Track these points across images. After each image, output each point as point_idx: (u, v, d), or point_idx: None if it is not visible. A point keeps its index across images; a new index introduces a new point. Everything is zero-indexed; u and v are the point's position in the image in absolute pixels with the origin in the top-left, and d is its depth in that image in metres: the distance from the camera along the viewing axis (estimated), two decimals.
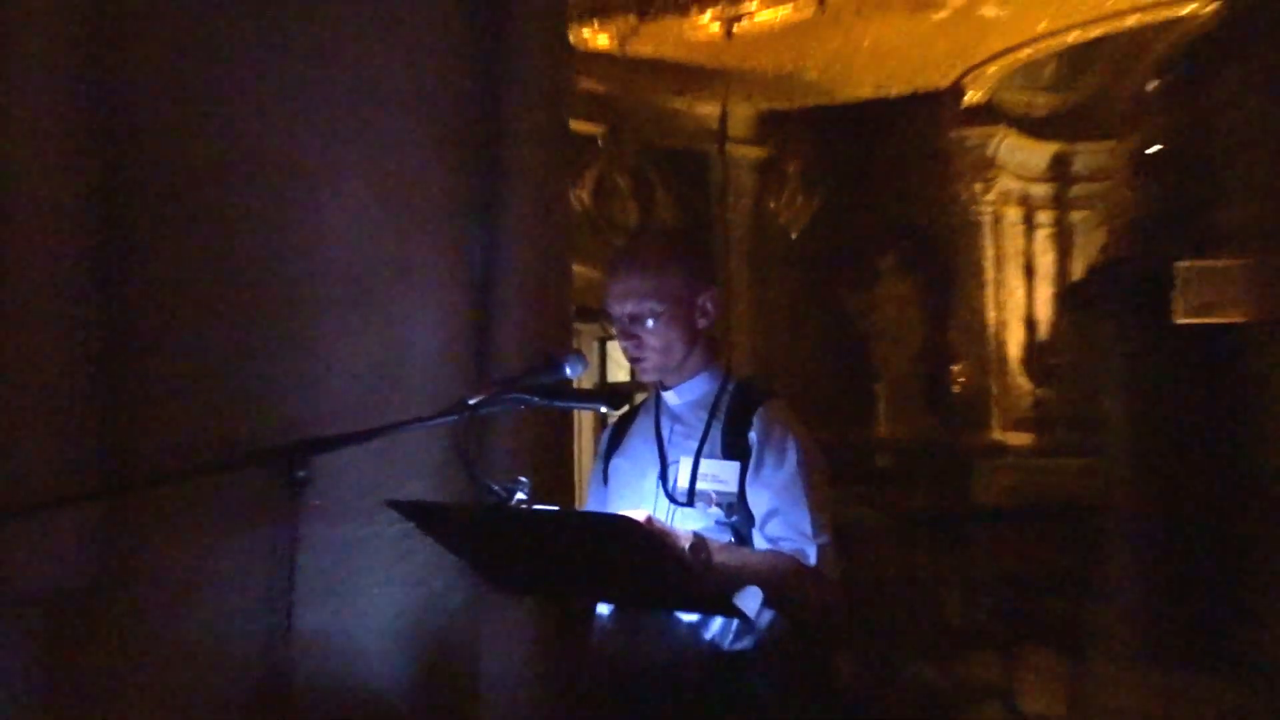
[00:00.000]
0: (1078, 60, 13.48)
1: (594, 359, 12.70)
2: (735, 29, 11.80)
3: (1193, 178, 11.63)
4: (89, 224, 3.20)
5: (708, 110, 14.04)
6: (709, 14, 11.61)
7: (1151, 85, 13.15)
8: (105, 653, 3.20)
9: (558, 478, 3.86)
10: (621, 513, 2.42)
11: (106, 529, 3.13)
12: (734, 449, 2.75)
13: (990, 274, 13.59)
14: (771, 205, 13.79)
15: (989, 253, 13.61)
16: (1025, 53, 12.74)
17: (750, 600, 2.45)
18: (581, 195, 12.43)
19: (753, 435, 2.75)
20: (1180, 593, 8.54)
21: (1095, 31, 12.32)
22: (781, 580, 2.62)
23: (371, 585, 3.52)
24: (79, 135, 3.19)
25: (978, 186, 13.57)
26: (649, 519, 2.52)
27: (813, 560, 2.67)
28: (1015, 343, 13.66)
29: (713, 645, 2.68)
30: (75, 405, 3.12)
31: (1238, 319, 7.84)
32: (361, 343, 3.57)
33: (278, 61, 3.48)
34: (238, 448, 3.17)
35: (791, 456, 2.73)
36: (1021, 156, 13.71)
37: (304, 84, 3.50)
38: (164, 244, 3.34)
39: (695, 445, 2.79)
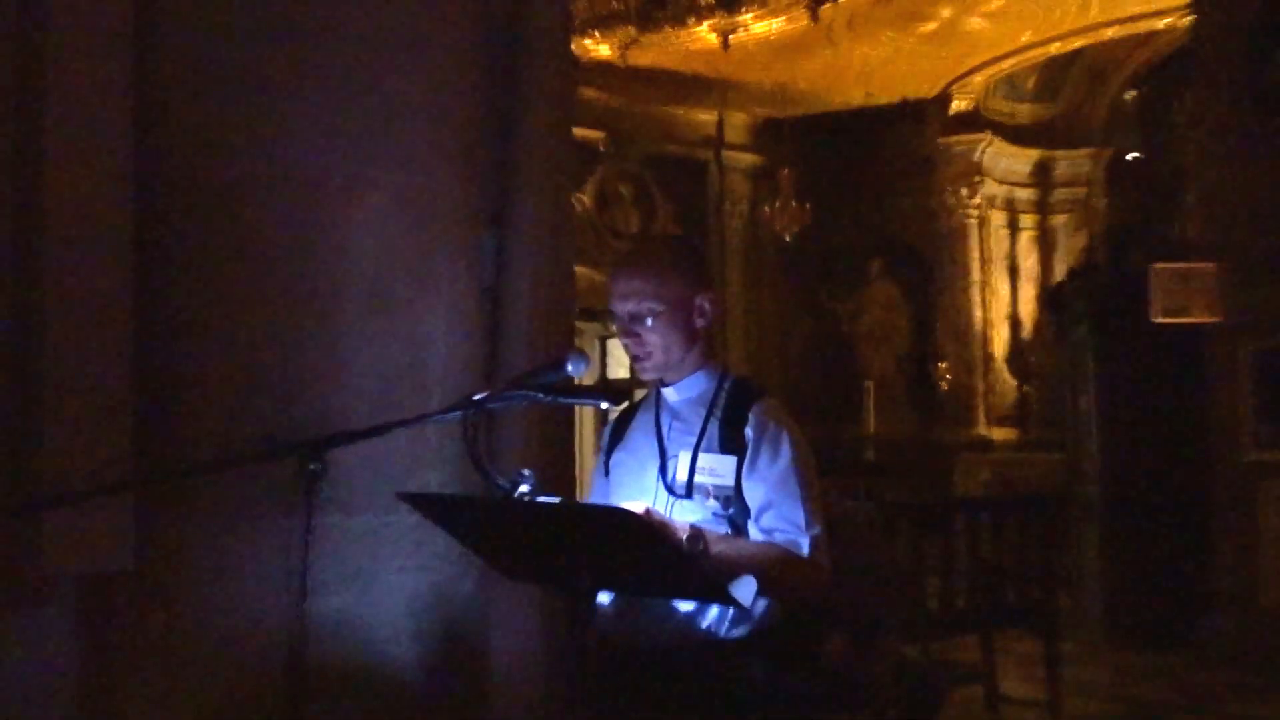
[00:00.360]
0: (1058, 72, 13.50)
1: (595, 357, 12.73)
2: (732, 39, 11.81)
3: (1163, 187, 11.65)
4: (127, 230, 3.21)
5: (705, 118, 14.05)
6: (706, 25, 11.62)
7: (1130, 95, 13.16)
8: (136, 633, 3.22)
9: (561, 471, 3.88)
10: (621, 505, 2.43)
11: (140, 517, 3.15)
12: (730, 444, 2.76)
13: (976, 275, 13.60)
14: (765, 211, 13.80)
15: (975, 255, 13.62)
16: (1009, 63, 12.75)
17: (745, 589, 2.46)
18: (584, 200, 12.44)
19: (748, 431, 2.76)
20: (1145, 578, 8.58)
21: (1076, 43, 12.34)
22: (776, 570, 2.63)
23: (389, 572, 3.54)
24: (121, 146, 3.21)
25: (964, 191, 13.58)
26: (648, 511, 2.53)
27: (806, 551, 2.68)
28: (1000, 341, 13.65)
29: (709, 632, 2.69)
30: (113, 398, 3.14)
31: (1208, 319, 7.86)
32: (383, 344, 3.59)
33: (307, 84, 3.50)
34: (267, 441, 3.19)
35: (785, 452, 2.74)
36: (1006, 163, 13.73)
37: (331, 105, 3.53)
38: (200, 253, 3.36)
39: (694, 440, 2.80)
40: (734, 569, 2.52)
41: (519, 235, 3.92)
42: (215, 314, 3.37)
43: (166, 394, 3.27)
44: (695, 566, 2.44)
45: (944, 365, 13.42)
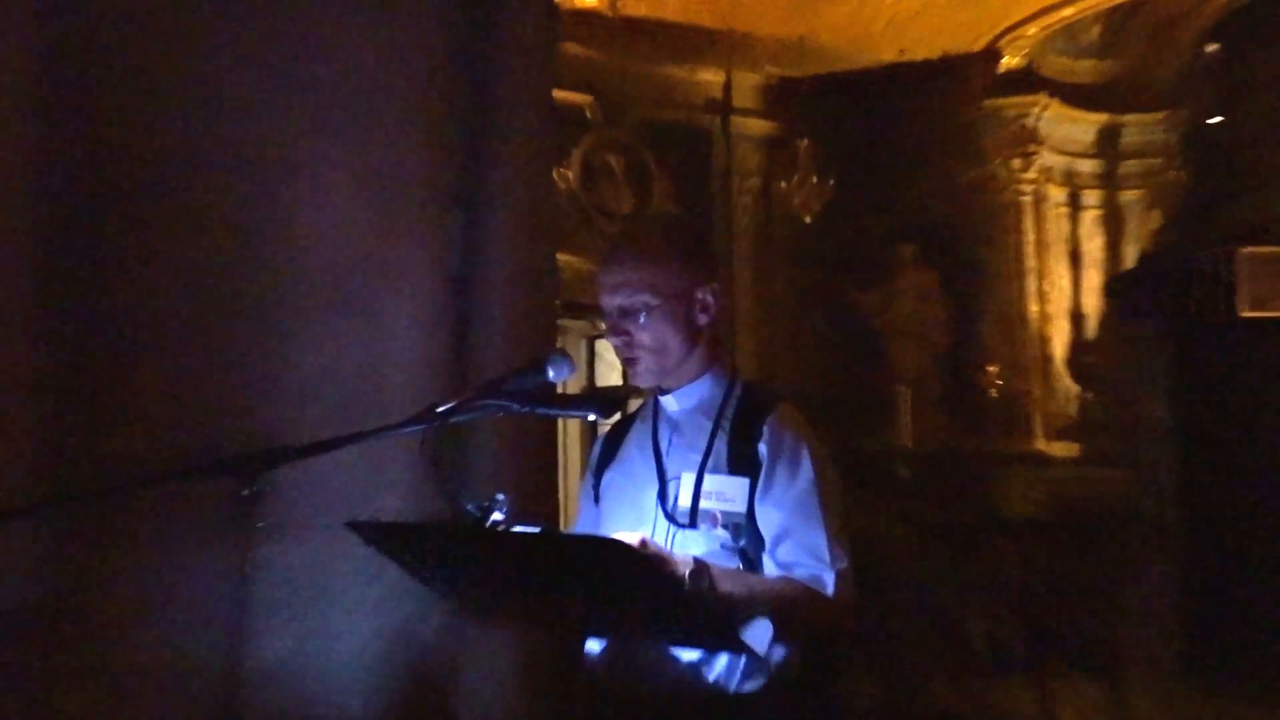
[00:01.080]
0: (1126, 21, 13.48)
1: (582, 360, 12.71)
2: None
3: (1252, 157, 11.63)
4: (44, 217, 3.21)
5: (709, 78, 14.03)
6: None
7: (1211, 48, 13.13)
8: (51, 675, 3.22)
9: (541, 494, 3.88)
10: (613, 535, 2.42)
11: (57, 545, 3.15)
12: (742, 462, 2.75)
13: (1030, 262, 13.55)
14: (780, 187, 13.78)
15: (1029, 238, 13.56)
16: (1069, 11, 12.71)
17: (760, 635, 2.45)
18: (568, 176, 12.41)
19: (762, 447, 2.75)
20: (1230, 614, 8.57)
21: None
22: (795, 611, 2.62)
23: (341, 611, 3.54)
24: (35, 122, 3.21)
25: (1016, 163, 13.54)
26: (644, 542, 2.51)
27: (830, 589, 2.67)
28: (1059, 340, 13.60)
29: (717, 686, 2.67)
30: (25, 413, 3.14)
31: None
32: (336, 344, 3.60)
33: (255, 47, 3.51)
34: (200, 459, 3.19)
35: (806, 470, 2.73)
36: (1065, 129, 13.67)
37: (279, 70, 3.54)
38: (129, 239, 3.37)
39: (698, 458, 2.79)
40: (746, 610, 2.50)
41: (492, 217, 3.93)
42: (142, 312, 3.37)
43: (85, 406, 3.27)
44: (700, 607, 2.43)
45: (991, 368, 13.41)
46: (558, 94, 4.25)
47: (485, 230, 3.95)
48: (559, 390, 2.77)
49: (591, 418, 2.78)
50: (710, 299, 2.87)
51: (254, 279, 3.50)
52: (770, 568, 2.72)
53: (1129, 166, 13.84)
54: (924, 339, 14.15)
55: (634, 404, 3.07)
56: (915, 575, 8.29)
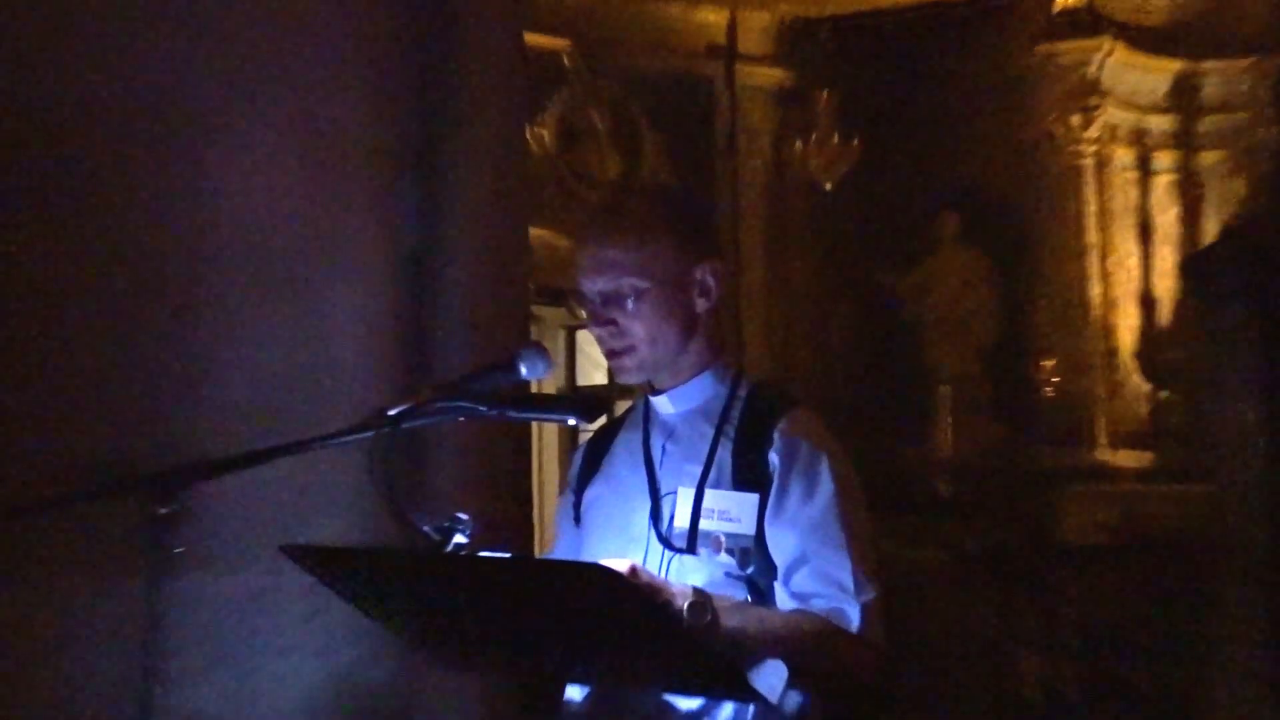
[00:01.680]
0: None
1: (560, 355, 12.73)
2: None
3: None
4: None
5: (711, 19, 14.03)
6: None
7: None
8: None
9: (512, 514, 3.89)
10: (598, 561, 2.42)
11: None
12: (749, 475, 2.76)
13: (1093, 237, 13.55)
14: (796, 149, 13.78)
15: (1091, 208, 13.57)
16: None
17: (772, 679, 2.45)
18: (543, 136, 12.40)
19: (773, 456, 2.76)
20: None
21: None
22: (813, 651, 2.63)
23: (272, 654, 3.55)
24: None
25: (1075, 120, 13.53)
26: (634, 569, 2.52)
27: (855, 624, 2.67)
28: (1127, 330, 13.60)
29: None
30: None
31: None
32: (272, 339, 3.62)
33: None
34: (103, 475, 3.19)
35: (825, 485, 2.74)
36: (1134, 79, 13.66)
37: (201, 9, 3.54)
38: (12, 207, 3.36)
39: (697, 471, 2.80)
40: (755, 650, 2.51)
41: (452, 185, 3.94)
42: (31, 297, 3.36)
43: None
44: (701, 647, 2.43)
45: (1047, 364, 13.41)
46: (530, 38, 4.26)
47: (444, 201, 3.95)
48: (533, 390, 2.77)
49: (571, 422, 2.77)
50: (711, 281, 2.88)
51: (166, 259, 3.50)
52: (784, 600, 2.72)
53: (1209, 123, 13.83)
54: (968, 330, 14.16)
55: (621, 406, 3.08)
56: (957, 610, 8.31)
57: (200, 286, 3.56)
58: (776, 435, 2.79)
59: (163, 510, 2.32)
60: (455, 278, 3.91)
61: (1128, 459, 13.28)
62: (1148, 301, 13.64)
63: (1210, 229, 13.07)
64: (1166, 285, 13.63)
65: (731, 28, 14.10)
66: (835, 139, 13.53)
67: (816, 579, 2.71)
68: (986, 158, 13.99)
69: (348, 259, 3.78)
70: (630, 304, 2.81)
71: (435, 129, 3.93)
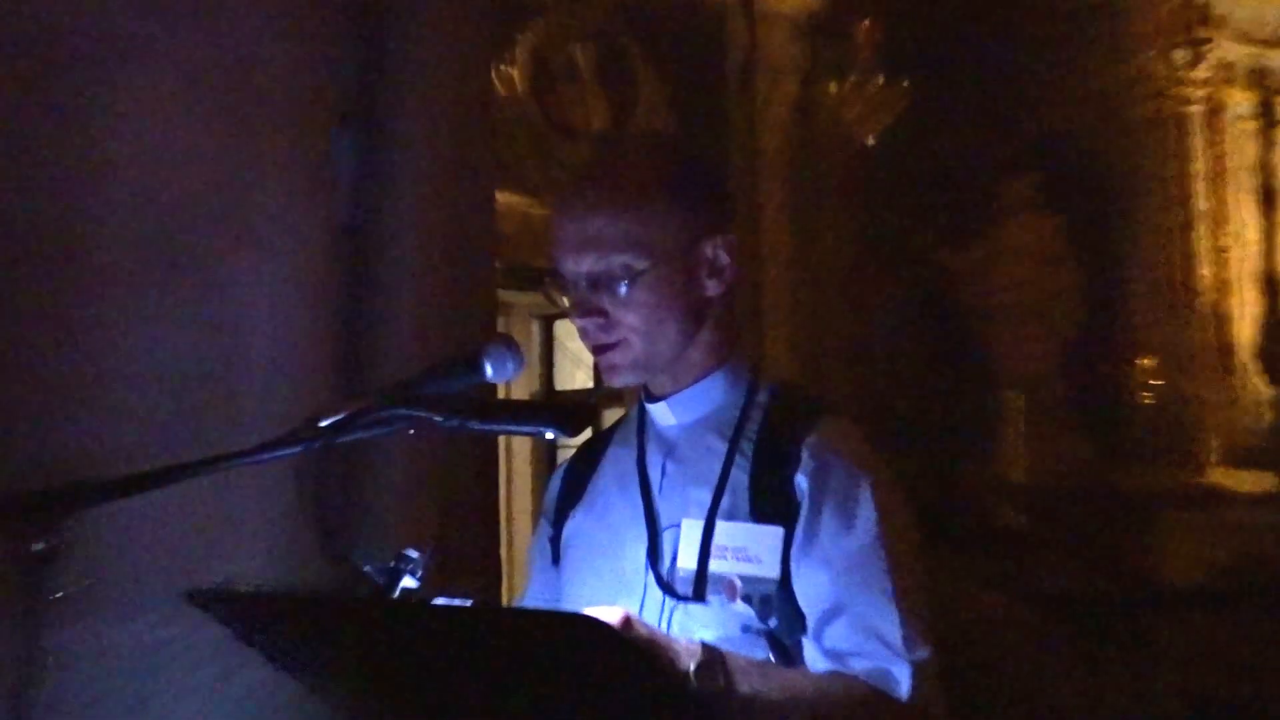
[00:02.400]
0: None
1: (534, 351, 12.75)
2: None
3: None
4: None
5: None
6: None
7: None
8: None
9: (475, 550, 3.89)
10: (583, 611, 2.41)
11: None
12: (771, 504, 2.76)
13: (1201, 203, 13.57)
14: (829, 92, 13.79)
15: (1198, 167, 13.59)
16: None
17: None
18: (512, 77, 12.41)
19: (801, 480, 2.76)
20: None
21: None
22: None
23: None
24: None
25: (1179, 56, 13.56)
26: (627, 621, 2.50)
27: (905, 690, 2.66)
28: (1245, 319, 13.60)
29: None
30: None
31: None
32: (174, 331, 3.62)
33: None
34: None
35: (867, 515, 2.74)
36: (1253, 5, 13.69)
37: None
38: None
39: (706, 497, 2.80)
40: None
41: (398, 139, 3.94)
42: None
43: None
44: (710, 718, 2.43)
45: (1144, 363, 13.43)
46: None
47: (388, 158, 3.96)
48: (501, 395, 2.77)
49: (549, 436, 2.71)
50: (724, 258, 2.88)
51: (41, 229, 3.50)
52: (815, 659, 2.72)
53: None
54: (1044, 320, 14.18)
55: (611, 416, 3.07)
56: (1032, 670, 8.32)
57: (83, 264, 3.55)
58: (805, 452, 2.78)
59: (37, 545, 2.28)
60: (402, 256, 3.92)
61: (1244, 481, 13.27)
62: (1270, 285, 13.63)
63: None
64: None
65: None
66: (878, 81, 13.53)
67: (856, 633, 2.70)
68: (1066, 104, 14.00)
69: (268, 233, 3.78)
70: (623, 288, 2.80)
71: (379, 72, 3.93)
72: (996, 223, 14.30)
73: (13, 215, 3.48)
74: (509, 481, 11.05)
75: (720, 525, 2.76)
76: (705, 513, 2.79)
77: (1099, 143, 13.93)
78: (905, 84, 13.46)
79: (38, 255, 3.51)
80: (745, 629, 2.72)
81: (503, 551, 4.15)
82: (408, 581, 2.47)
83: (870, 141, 13.73)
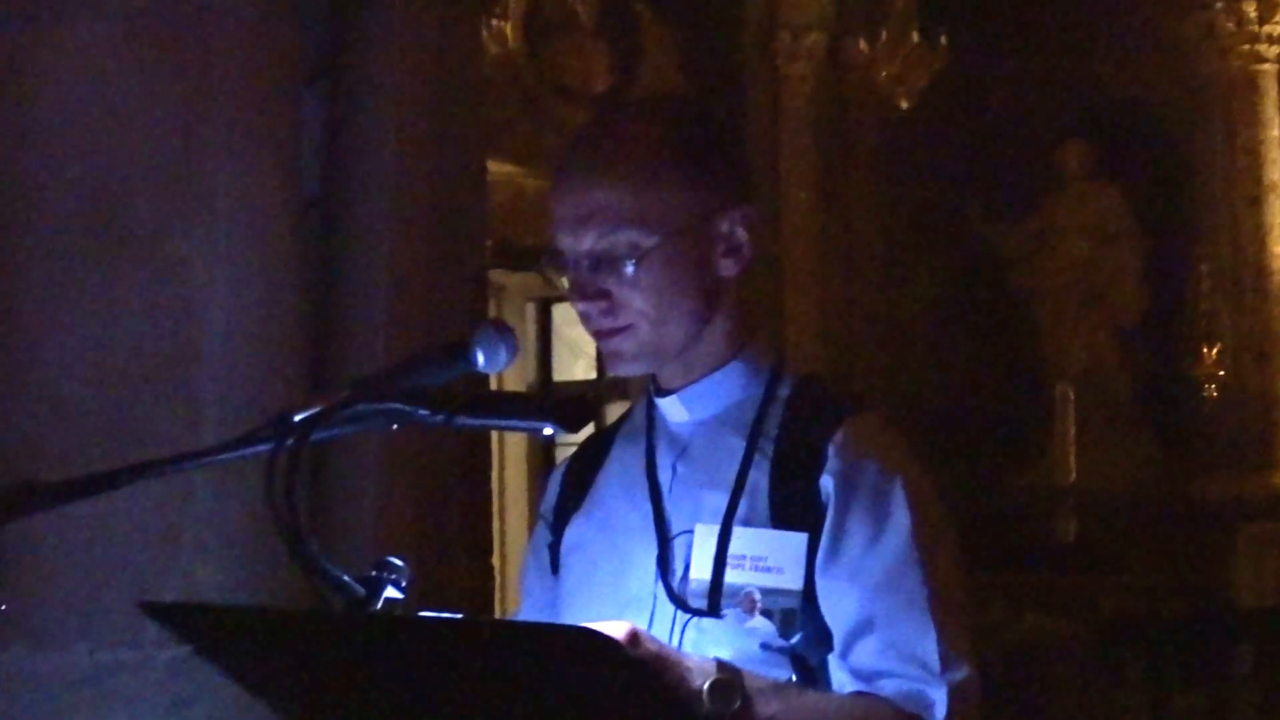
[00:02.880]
0: None
1: (529, 338, 12.72)
2: None
3: None
4: None
5: None
6: None
7: None
8: None
9: (463, 559, 3.90)
10: (586, 625, 2.44)
11: None
12: (793, 508, 2.78)
13: (1274, 173, 13.55)
14: (859, 50, 13.78)
15: (1273, 133, 13.57)
16: None
17: None
18: (504, 32, 12.40)
19: (827, 482, 2.78)
20: None
21: None
22: None
23: None
24: None
25: (1250, 10, 13.53)
26: (634, 636, 2.53)
27: (940, 715, 2.69)
28: None
29: None
30: None
31: None
32: (118, 315, 3.63)
33: None
34: None
35: (900, 522, 2.77)
36: None
37: None
38: None
39: (722, 501, 2.82)
40: None
41: (372, 102, 3.94)
42: None
43: None
44: None
45: (1211, 350, 13.40)
46: None
47: (361, 122, 3.97)
48: (492, 387, 2.79)
49: (547, 433, 2.73)
50: (741, 234, 2.90)
51: None
52: (842, 680, 2.76)
53: None
54: (1099, 304, 14.16)
55: (615, 411, 3.10)
56: (1089, 699, 8.31)
57: (14, 243, 3.58)
58: (831, 451, 2.80)
59: None
60: (378, 233, 3.92)
61: None
62: None
63: None
64: None
65: None
66: (914, 36, 13.51)
67: (887, 652, 2.73)
68: (1125, 63, 13.98)
69: (225, 205, 3.78)
70: (628, 268, 2.81)
71: (350, 24, 3.94)
72: (1048, 196, 14.26)
73: None
74: (501, 482, 10.99)
75: (737, 532, 2.78)
76: (720, 518, 2.81)
77: (1160, 106, 13.91)
78: (943, 40, 13.44)
79: None
80: (764, 646, 2.74)
81: (495, 560, 4.16)
82: (390, 592, 2.46)
83: (905, 105, 13.71)
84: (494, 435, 3.56)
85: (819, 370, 3.15)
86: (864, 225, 14.44)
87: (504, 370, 2.71)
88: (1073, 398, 13.41)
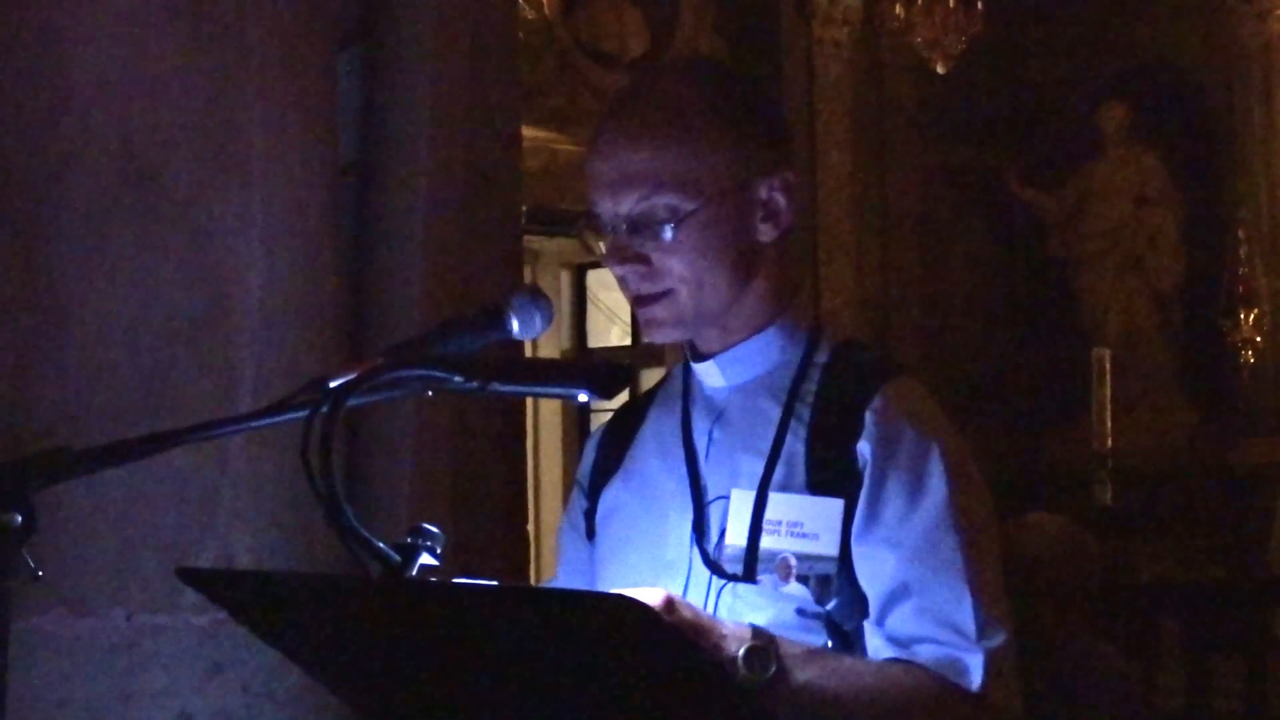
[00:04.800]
0: None
1: (564, 303, 12.71)
2: None
3: None
4: None
5: None
6: None
7: None
8: None
9: (499, 525, 3.89)
10: (620, 591, 2.43)
11: None
12: (830, 474, 2.79)
13: None
14: (896, 15, 13.72)
15: None
16: None
17: None
18: None
19: (864, 447, 2.78)
20: None
21: None
22: (916, 716, 2.67)
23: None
24: None
25: None
26: (670, 603, 2.54)
27: (976, 681, 2.69)
28: None
29: None
30: None
31: None
32: (151, 288, 3.63)
33: None
34: None
35: (937, 488, 2.77)
36: None
37: None
38: None
39: (758, 466, 2.83)
40: (835, 714, 2.55)
41: (408, 66, 3.94)
42: None
43: None
44: (760, 710, 2.47)
45: (1249, 315, 13.34)
46: None
47: (396, 89, 3.96)
48: (527, 354, 2.78)
49: (583, 399, 2.70)
50: (780, 199, 2.90)
51: (1, 166, 3.52)
52: (877, 646, 2.76)
53: None
54: (1136, 269, 14.12)
55: (651, 377, 3.09)
56: (1125, 668, 8.29)
57: (51, 209, 3.57)
58: (869, 417, 2.80)
59: (3, 522, 2.29)
60: (413, 197, 3.91)
61: None
62: None
63: None
64: None
65: None
66: (950, 1, 13.45)
67: (923, 618, 2.73)
68: (1163, 26, 13.92)
69: (259, 170, 3.78)
70: (667, 232, 2.81)
71: None
72: (1086, 160, 14.19)
73: None
74: (536, 449, 10.96)
75: (773, 497, 2.79)
76: (756, 483, 2.81)
77: (1198, 70, 13.85)
78: (979, 6, 13.37)
79: (1, 199, 3.54)
80: (800, 612, 2.74)
81: (530, 526, 4.15)
82: (426, 559, 2.46)
83: (941, 69, 13.65)
84: (528, 401, 3.54)
85: (855, 335, 3.11)
86: (901, 190, 14.42)
87: (538, 336, 2.70)
88: (1109, 363, 13.36)
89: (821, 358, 2.92)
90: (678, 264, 2.82)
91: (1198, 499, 12.88)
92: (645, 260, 2.83)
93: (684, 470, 2.91)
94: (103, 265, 3.59)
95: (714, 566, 2.80)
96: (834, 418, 2.83)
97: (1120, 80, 14.03)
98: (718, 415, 2.94)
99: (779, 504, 2.78)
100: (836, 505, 2.76)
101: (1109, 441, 12.94)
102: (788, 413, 2.86)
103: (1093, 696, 4.55)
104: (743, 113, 2.91)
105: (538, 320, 2.69)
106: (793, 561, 2.74)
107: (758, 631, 2.58)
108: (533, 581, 3.84)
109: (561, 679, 2.34)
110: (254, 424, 2.69)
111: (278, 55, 3.81)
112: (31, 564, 2.30)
